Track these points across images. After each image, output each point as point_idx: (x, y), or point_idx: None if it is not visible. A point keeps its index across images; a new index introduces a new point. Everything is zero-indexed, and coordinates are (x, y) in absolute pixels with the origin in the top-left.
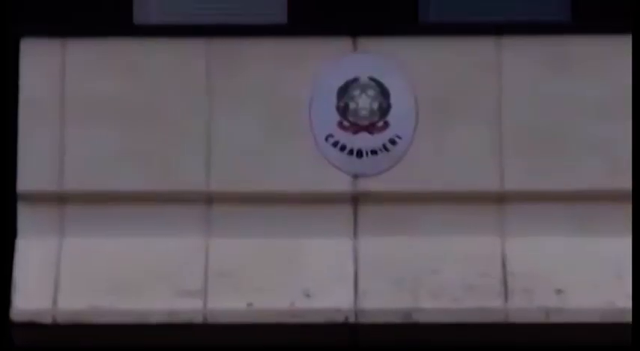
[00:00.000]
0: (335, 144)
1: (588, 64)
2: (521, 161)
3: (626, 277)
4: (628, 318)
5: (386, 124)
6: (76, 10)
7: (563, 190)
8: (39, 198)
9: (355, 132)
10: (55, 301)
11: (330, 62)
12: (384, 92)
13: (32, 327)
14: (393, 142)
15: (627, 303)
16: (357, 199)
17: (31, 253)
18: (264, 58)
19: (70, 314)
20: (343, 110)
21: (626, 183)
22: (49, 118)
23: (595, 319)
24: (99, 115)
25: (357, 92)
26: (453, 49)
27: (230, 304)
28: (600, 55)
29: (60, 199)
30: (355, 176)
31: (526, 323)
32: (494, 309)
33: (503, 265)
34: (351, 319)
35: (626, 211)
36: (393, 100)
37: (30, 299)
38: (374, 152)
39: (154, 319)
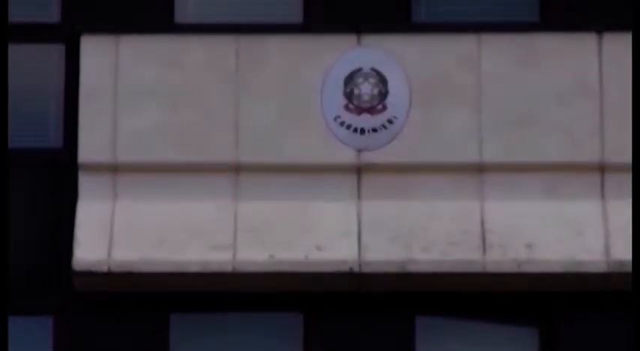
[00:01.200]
0: (342, 123)
1: (554, 58)
2: (497, 138)
3: (585, 234)
4: (586, 268)
5: (384, 107)
6: (128, 10)
7: (533, 162)
8: (96, 168)
9: (359, 113)
10: (109, 254)
11: (338, 55)
12: (383, 80)
13: (90, 275)
14: (390, 121)
15: (586, 256)
16: (360, 170)
17: (90, 214)
18: (283, 52)
19: (121, 264)
20: (349, 95)
21: (585, 157)
22: (104, 102)
23: (559, 269)
24: (145, 99)
25: (360, 80)
26: (440, 45)
27: (255, 256)
28: (564, 50)
29: (113, 169)
30: (359, 150)
31: (501, 272)
32: (475, 261)
33: (482, 225)
34: (355, 269)
35: (586, 179)
36: (390, 86)
37: (89, 252)
38: (374, 130)
39: (192, 269)
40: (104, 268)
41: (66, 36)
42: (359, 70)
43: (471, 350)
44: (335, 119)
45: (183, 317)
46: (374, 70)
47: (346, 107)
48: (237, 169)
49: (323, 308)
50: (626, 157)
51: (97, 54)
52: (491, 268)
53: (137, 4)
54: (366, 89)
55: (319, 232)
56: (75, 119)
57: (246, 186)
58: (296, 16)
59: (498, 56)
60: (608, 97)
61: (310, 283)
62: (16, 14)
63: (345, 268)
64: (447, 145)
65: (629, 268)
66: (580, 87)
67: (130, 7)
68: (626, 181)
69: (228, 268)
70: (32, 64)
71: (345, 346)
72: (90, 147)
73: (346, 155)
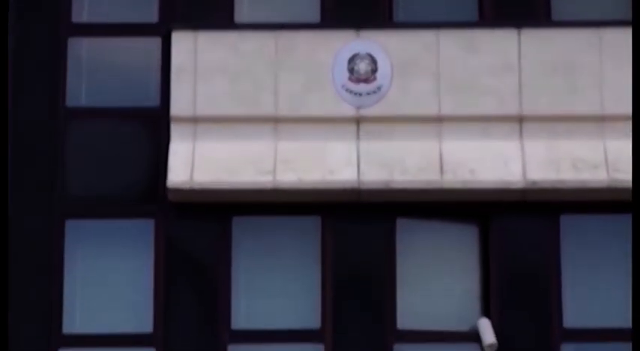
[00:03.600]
0: (346, 90)
1: (487, 45)
2: (451, 99)
3: (509, 163)
4: (509, 185)
5: (375, 78)
6: (202, 14)
7: (474, 114)
8: (182, 120)
9: (357, 83)
10: (191, 176)
11: (343, 44)
12: (373, 61)
13: (178, 191)
14: (379, 88)
15: (509, 177)
16: (359, 120)
17: (178, 150)
18: (306, 42)
19: (199, 183)
20: (351, 71)
21: (509, 111)
22: (187, 75)
23: (491, 186)
24: (214, 73)
25: (358, 61)
26: (412, 37)
27: (287, 178)
28: (494, 40)
29: (194, 120)
30: (358, 107)
31: (452, 189)
32: (436, 181)
33: (440, 157)
34: (356, 186)
35: (509, 126)
36: (379, 65)
37: (177, 175)
38: (368, 94)
39: (246, 187)
40: (187, 186)
41: (162, 32)
42: (357, 54)
43: (433, 239)
44: (342, 87)
45: (241, 220)
46: (368, 54)
47: (349, 79)
48: (276, 120)
49: (333, 213)
50: (539, 109)
51: (182, 43)
52: (447, 186)
53: (208, 9)
54: (362, 67)
55: (331, 162)
56: (168, 87)
57: (283, 131)
58: (315, 17)
59: (451, 44)
60: (525, 72)
61: (325, 195)
62: (128, 17)
63: (349, 186)
64: (417, 103)
65: (541, 185)
66: (505, 65)
67: (204, 11)
68: (538, 127)
69: (270, 186)
70: (139, 52)
71: (349, 239)
72: (178, 105)
73: (349, 111)
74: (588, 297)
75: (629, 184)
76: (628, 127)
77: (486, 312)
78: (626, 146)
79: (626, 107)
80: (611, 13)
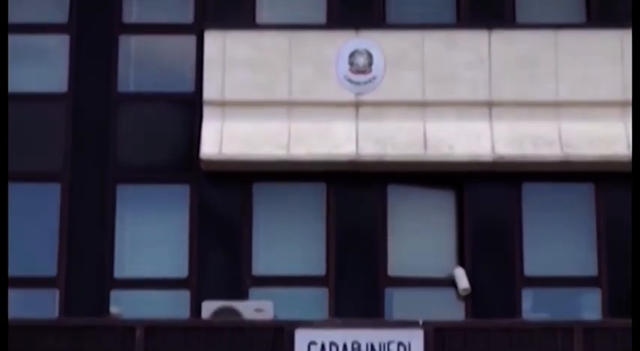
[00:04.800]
0: (347, 79)
1: (463, 43)
2: (433, 87)
3: (481, 140)
4: (481, 158)
5: (371, 70)
6: (230, 15)
7: (452, 100)
8: (213, 103)
9: (357, 74)
10: (220, 148)
11: (345, 42)
12: (370, 55)
13: (210, 161)
14: (374, 78)
15: (480, 151)
16: (357, 105)
17: (209, 128)
18: (314, 40)
19: (227, 155)
20: (351, 64)
21: (478, 97)
22: (218, 66)
23: (466, 159)
24: (238, 65)
25: (357, 56)
26: (401, 36)
27: (299, 151)
28: (469, 39)
29: (222, 103)
30: (357, 94)
31: (434, 161)
32: (420, 154)
33: (424, 135)
34: (355, 159)
35: (480, 110)
36: (374, 59)
37: (209, 147)
38: (365, 83)
39: (264, 158)
40: (217, 158)
41: (196, 31)
42: (356, 50)
43: (418, 203)
44: (344, 77)
45: (260, 185)
46: (365, 50)
47: (349, 70)
48: (289, 104)
49: (336, 181)
50: (505, 96)
51: (213, 40)
52: (429, 159)
53: (234, 12)
54: (360, 61)
55: (335, 138)
56: (201, 76)
57: (295, 113)
58: (321, 19)
59: (433, 43)
60: (494, 65)
61: (330, 166)
62: (168, 18)
63: (349, 158)
64: (405, 91)
65: (507, 159)
66: (478, 59)
67: (231, 14)
68: (505, 111)
69: (284, 158)
70: (177, 47)
71: (349, 202)
72: (209, 91)
73: (350, 97)
74: (544, 251)
75: (579, 158)
76: (579, 111)
77: (461, 263)
78: (576, 127)
79: (577, 95)
80: (566, 17)
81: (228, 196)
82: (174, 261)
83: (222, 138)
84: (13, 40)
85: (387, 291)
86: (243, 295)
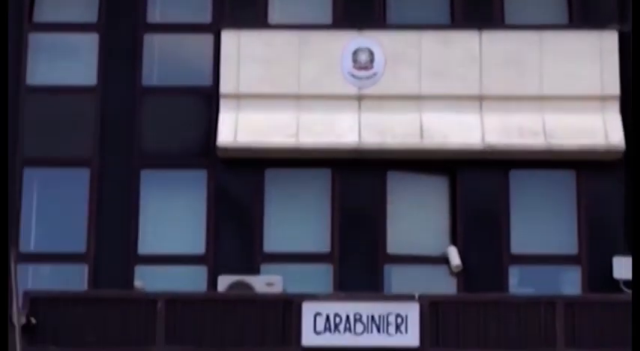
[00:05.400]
0: (351, 75)
1: (457, 42)
2: (429, 81)
3: (472, 130)
4: (472, 147)
5: (372, 66)
6: (244, 16)
7: (446, 94)
8: (229, 96)
9: (359, 70)
10: (235, 136)
11: (349, 40)
12: (371, 53)
13: (226, 149)
14: (375, 74)
15: (472, 141)
16: (360, 97)
17: (225, 118)
18: (321, 38)
19: (241, 143)
20: (354, 60)
21: (473, 91)
22: (232, 63)
23: (458, 147)
24: (252, 61)
25: (360, 53)
26: (400, 36)
27: (307, 139)
28: (461, 38)
29: (237, 96)
30: (360, 88)
31: (429, 149)
32: (417, 143)
33: (421, 126)
34: (358, 147)
35: (468, 102)
36: (375, 56)
37: (225, 135)
38: (367, 78)
39: (276, 146)
40: (232, 146)
41: (214, 30)
42: (359, 48)
43: (414, 187)
44: (347, 73)
45: (271, 171)
46: (367, 48)
47: (353, 67)
48: (298, 97)
49: (340, 167)
50: (494, 91)
51: (229, 39)
52: (425, 147)
53: (248, 13)
54: (363, 58)
55: (340, 127)
56: (218, 71)
57: (303, 105)
58: (327, 20)
59: (429, 42)
60: (484, 63)
61: (335, 153)
62: (188, 19)
63: (352, 146)
64: (403, 85)
65: (495, 148)
66: (470, 57)
67: (245, 15)
68: (494, 104)
69: (293, 146)
70: (197, 44)
71: (352, 186)
72: (225, 85)
73: (353, 90)
74: (530, 231)
75: (561, 148)
76: (561, 105)
77: (454, 242)
78: (559, 119)
79: (560, 90)
80: (549, 19)
81: (242, 181)
82: (193, 239)
83: (237, 128)
84: (48, 38)
85: (386, 267)
86: (255, 271)
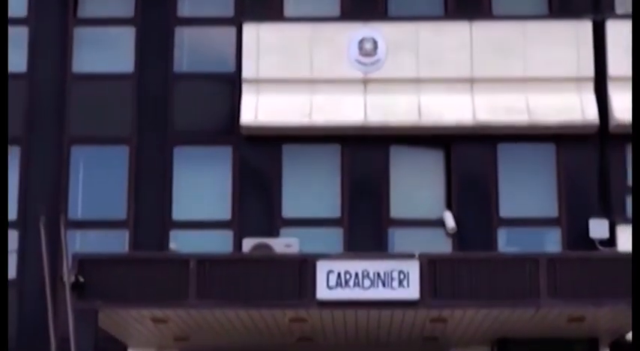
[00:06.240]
0: (357, 61)
1: (450, 32)
2: (427, 65)
3: (464, 110)
4: (465, 124)
5: (376, 53)
6: (262, 11)
7: (441, 77)
8: (249, 81)
9: (365, 56)
10: (256, 116)
11: (355, 31)
12: (375, 42)
13: (248, 128)
14: (378, 60)
15: (465, 119)
16: (365, 81)
17: (247, 100)
18: (330, 30)
19: (261, 122)
20: (360, 48)
21: (464, 75)
22: (252, 51)
23: (453, 124)
24: (270, 50)
25: (365, 42)
26: (400, 26)
27: (318, 119)
28: (453, 29)
29: (256, 81)
30: (365, 73)
31: (428, 126)
32: (416, 121)
33: (419, 108)
34: (364, 124)
35: (461, 86)
36: (378, 45)
37: (247, 115)
38: (372, 64)
39: (293, 125)
40: (253, 124)
41: (236, 23)
42: (365, 37)
43: (414, 160)
44: (354, 59)
45: (288, 146)
46: (372, 37)
47: (359, 54)
48: (311, 81)
49: (349, 142)
50: (483, 74)
51: (250, 30)
52: (423, 124)
53: (266, 7)
54: (368, 46)
55: (347, 109)
56: (240, 59)
57: (316, 88)
58: (336, 13)
59: (425, 31)
60: (475, 49)
61: (344, 131)
62: (214, 12)
63: (359, 124)
64: (403, 70)
65: (485, 124)
66: (461, 45)
67: (263, 9)
68: (483, 86)
69: (307, 125)
70: (221, 36)
71: (359, 159)
72: (247, 71)
73: (359, 75)
74: (516, 197)
75: (543, 124)
76: (543, 86)
77: (449, 207)
78: (541, 98)
79: (541, 73)
80: (532, 10)
81: (262, 155)
82: (220, 206)
83: (258, 109)
84: (89, 32)
85: (390, 230)
86: (275, 234)
